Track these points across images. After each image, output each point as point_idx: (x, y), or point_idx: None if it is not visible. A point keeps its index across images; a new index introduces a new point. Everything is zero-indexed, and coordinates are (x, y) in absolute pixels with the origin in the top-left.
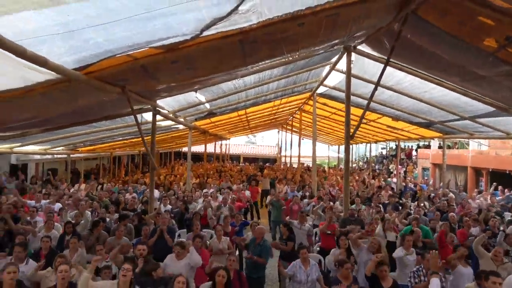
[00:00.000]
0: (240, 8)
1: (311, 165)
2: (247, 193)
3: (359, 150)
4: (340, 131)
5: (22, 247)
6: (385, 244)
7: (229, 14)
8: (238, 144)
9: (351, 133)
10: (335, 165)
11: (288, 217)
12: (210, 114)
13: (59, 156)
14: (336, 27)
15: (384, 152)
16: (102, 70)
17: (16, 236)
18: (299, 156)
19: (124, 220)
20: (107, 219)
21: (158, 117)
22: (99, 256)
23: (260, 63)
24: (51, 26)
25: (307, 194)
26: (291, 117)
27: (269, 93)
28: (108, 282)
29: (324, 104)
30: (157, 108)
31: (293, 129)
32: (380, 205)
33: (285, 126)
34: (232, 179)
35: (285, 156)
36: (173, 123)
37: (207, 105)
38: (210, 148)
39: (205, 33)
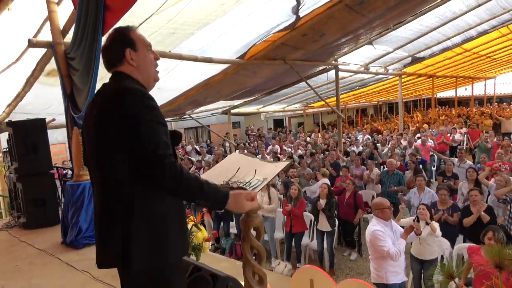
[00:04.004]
0: None
1: None
2: (458, 136)
3: None
4: None
5: None
6: None
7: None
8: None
9: None
10: None
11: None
12: (416, 59)
13: (298, 112)
14: None
15: None
16: (255, 54)
17: None
18: None
19: (314, 156)
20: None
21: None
22: None
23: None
24: (202, 41)
25: None
26: None
27: (474, 26)
28: None
29: None
30: (338, 66)
31: None
32: None
33: None
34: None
35: None
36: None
37: (400, 52)
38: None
39: (303, 13)
